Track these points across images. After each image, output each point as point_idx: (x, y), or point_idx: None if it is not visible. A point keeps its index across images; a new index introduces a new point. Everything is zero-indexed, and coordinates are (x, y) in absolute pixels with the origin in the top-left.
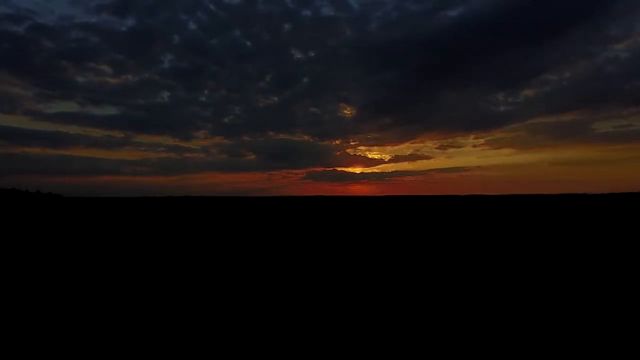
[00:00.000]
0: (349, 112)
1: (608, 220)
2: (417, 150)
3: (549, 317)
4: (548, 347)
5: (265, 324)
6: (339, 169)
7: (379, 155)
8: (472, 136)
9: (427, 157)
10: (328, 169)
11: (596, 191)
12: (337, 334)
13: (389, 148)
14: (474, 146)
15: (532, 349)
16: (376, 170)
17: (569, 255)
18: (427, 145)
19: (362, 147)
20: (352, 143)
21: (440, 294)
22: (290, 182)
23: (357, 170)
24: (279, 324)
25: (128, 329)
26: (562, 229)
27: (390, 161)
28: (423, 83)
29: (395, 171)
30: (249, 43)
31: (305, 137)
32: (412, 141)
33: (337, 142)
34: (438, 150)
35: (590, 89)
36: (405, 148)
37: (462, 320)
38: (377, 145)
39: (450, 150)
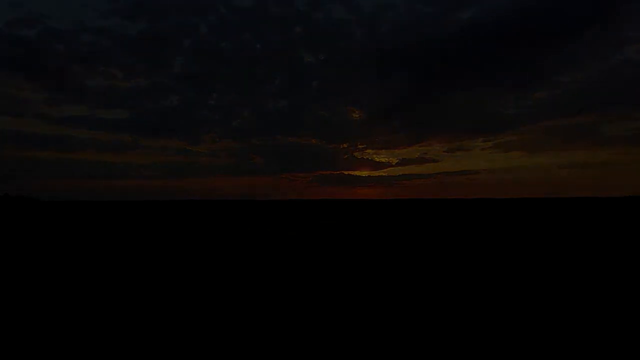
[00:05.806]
0: (357, 115)
1: (618, 223)
2: (425, 153)
3: (558, 320)
4: (556, 348)
5: (268, 326)
6: (347, 172)
7: (386, 159)
8: (480, 139)
9: (435, 160)
10: (335, 173)
11: (606, 194)
12: (343, 337)
13: (396, 151)
14: (482, 149)
15: (540, 350)
16: (383, 174)
17: (579, 258)
18: (435, 148)
19: (369, 151)
20: (360, 146)
21: (448, 297)
22: (298, 186)
23: (365, 173)
24: (281, 326)
25: (128, 331)
26: (572, 232)
27: (397, 164)
28: (432, 86)
29: (402, 174)
30: (258, 46)
31: (313, 141)
32: (420, 144)
33: (345, 145)
34: (446, 154)
35: (602, 92)
36: (413, 151)
37: (470, 322)
38: (385, 148)
39: (458, 153)
